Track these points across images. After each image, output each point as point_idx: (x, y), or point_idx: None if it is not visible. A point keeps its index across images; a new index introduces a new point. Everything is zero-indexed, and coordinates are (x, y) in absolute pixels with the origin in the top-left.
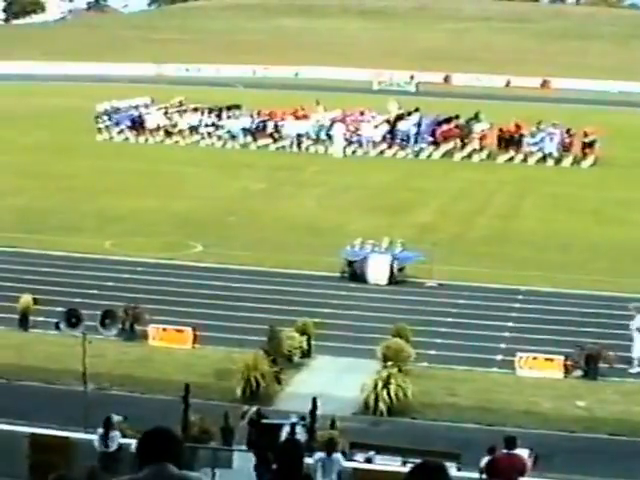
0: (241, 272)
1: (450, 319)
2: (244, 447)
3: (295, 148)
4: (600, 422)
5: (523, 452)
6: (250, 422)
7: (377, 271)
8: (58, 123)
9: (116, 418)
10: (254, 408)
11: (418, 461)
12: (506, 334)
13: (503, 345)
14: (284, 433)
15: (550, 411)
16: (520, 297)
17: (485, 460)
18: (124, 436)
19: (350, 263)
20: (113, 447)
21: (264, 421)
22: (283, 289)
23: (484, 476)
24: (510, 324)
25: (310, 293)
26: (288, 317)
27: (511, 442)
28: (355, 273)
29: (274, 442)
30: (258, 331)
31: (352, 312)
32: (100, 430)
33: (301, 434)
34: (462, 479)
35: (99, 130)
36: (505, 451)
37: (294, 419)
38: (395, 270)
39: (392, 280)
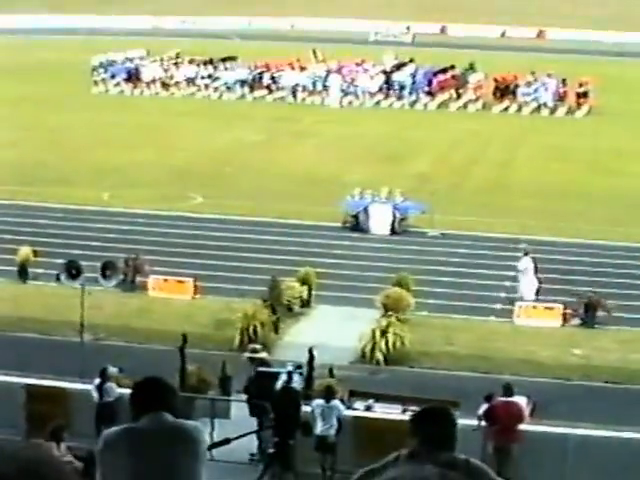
0: (241, 223)
1: (451, 268)
2: (242, 397)
3: (292, 99)
4: (597, 370)
5: (521, 399)
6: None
7: (379, 221)
8: (54, 76)
9: (112, 370)
10: (264, 354)
11: (418, 408)
12: (506, 283)
13: (503, 294)
14: (280, 382)
15: (547, 359)
16: (521, 246)
17: (483, 408)
18: (120, 387)
19: (352, 214)
20: (109, 398)
21: (260, 369)
22: (284, 239)
23: (482, 423)
24: (510, 273)
25: (311, 243)
26: (289, 267)
27: (508, 390)
28: (357, 223)
29: (270, 390)
30: (259, 281)
31: (354, 262)
32: (96, 381)
33: (297, 382)
34: (460, 427)
35: (95, 83)
36: (502, 399)
37: (290, 367)
38: (397, 220)
39: (394, 230)
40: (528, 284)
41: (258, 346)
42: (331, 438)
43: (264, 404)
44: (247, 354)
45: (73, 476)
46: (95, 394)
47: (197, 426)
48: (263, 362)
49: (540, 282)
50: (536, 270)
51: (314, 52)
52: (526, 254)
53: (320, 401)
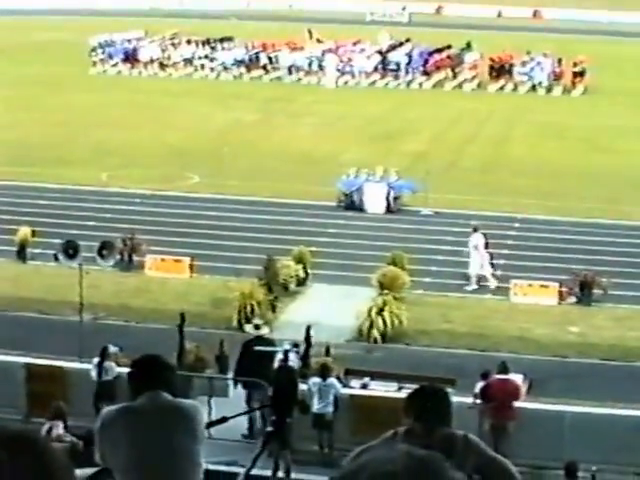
0: (237, 202)
1: (446, 247)
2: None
3: (288, 79)
4: (593, 347)
5: (517, 377)
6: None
7: (374, 200)
8: (51, 57)
9: (112, 349)
10: (266, 330)
11: (414, 386)
12: (501, 261)
13: (498, 272)
14: (277, 360)
15: (544, 337)
16: (516, 225)
17: (479, 385)
18: (119, 366)
19: (347, 193)
20: (108, 377)
21: (257, 348)
22: (280, 218)
23: (478, 401)
24: (506, 252)
25: (307, 222)
26: (285, 246)
27: (504, 367)
28: (352, 202)
29: (267, 369)
30: (255, 260)
31: (349, 241)
32: (96, 360)
33: (294, 361)
34: (457, 404)
35: (93, 63)
36: (498, 376)
37: (287, 346)
38: (391, 199)
39: (389, 209)
40: (480, 260)
41: (260, 321)
42: (328, 416)
43: (258, 381)
44: (249, 330)
45: (64, 458)
46: (94, 373)
47: (195, 405)
48: (260, 339)
49: (492, 257)
50: (487, 245)
51: (309, 32)
52: (475, 230)
53: (316, 379)
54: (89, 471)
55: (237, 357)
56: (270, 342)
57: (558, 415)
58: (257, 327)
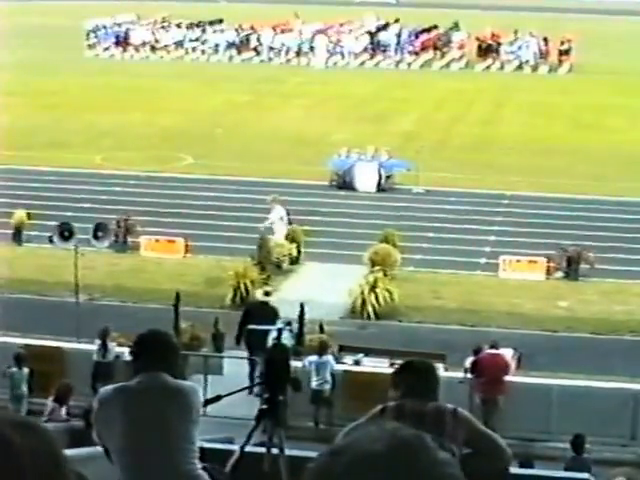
0: (230, 182)
1: (437, 224)
2: (234, 353)
3: (278, 60)
4: (581, 321)
5: (507, 352)
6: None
7: (366, 179)
8: (43, 41)
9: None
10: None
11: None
12: (491, 238)
13: (488, 249)
14: (270, 338)
15: (533, 311)
16: (505, 202)
17: (470, 360)
18: (119, 345)
19: (339, 172)
20: (110, 357)
21: (251, 326)
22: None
23: (469, 375)
24: (495, 228)
25: (299, 202)
26: None
27: (494, 342)
28: (344, 182)
29: (261, 347)
30: (248, 240)
31: (341, 219)
32: (98, 341)
33: (287, 339)
34: (447, 379)
35: (89, 47)
36: (489, 351)
37: (280, 324)
38: (383, 178)
39: (380, 188)
40: (284, 231)
41: (270, 288)
42: (326, 392)
43: (255, 358)
44: (258, 296)
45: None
46: (97, 353)
47: (192, 386)
48: (265, 305)
49: (290, 223)
50: (289, 218)
51: (296, 15)
52: (274, 202)
53: (313, 357)
54: (86, 450)
55: (240, 319)
56: (274, 310)
57: (547, 388)
58: (267, 293)
